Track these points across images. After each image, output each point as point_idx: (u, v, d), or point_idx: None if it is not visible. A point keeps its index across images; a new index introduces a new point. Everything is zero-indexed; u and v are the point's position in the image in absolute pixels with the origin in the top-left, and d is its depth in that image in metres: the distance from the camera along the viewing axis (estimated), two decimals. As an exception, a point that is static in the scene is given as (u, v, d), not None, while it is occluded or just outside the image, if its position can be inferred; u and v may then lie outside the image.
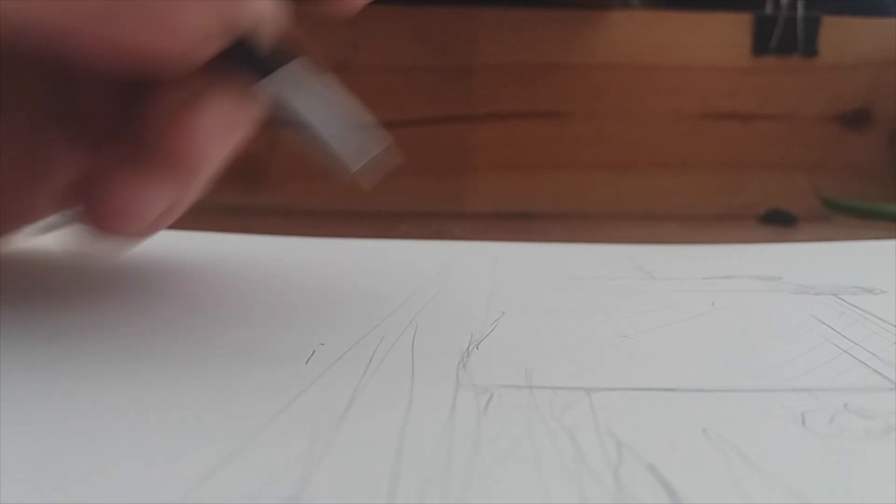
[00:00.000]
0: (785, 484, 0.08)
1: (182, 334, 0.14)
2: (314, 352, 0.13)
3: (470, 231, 0.36)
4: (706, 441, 0.09)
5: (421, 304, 0.17)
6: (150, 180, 0.14)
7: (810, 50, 0.46)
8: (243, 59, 0.14)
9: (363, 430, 0.09)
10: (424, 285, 0.19)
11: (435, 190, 0.42)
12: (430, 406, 0.10)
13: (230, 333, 0.14)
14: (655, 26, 0.47)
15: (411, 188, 0.40)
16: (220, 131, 0.15)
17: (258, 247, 0.24)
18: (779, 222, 0.41)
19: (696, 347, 0.13)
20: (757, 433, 0.09)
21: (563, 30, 0.46)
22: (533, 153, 0.47)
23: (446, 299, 0.17)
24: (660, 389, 0.11)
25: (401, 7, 0.41)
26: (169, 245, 0.24)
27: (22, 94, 0.17)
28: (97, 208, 0.14)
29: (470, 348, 0.13)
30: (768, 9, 0.47)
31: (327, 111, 0.13)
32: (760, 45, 0.47)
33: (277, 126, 0.14)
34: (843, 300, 0.17)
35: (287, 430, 0.09)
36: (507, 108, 0.47)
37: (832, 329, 0.15)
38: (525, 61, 0.46)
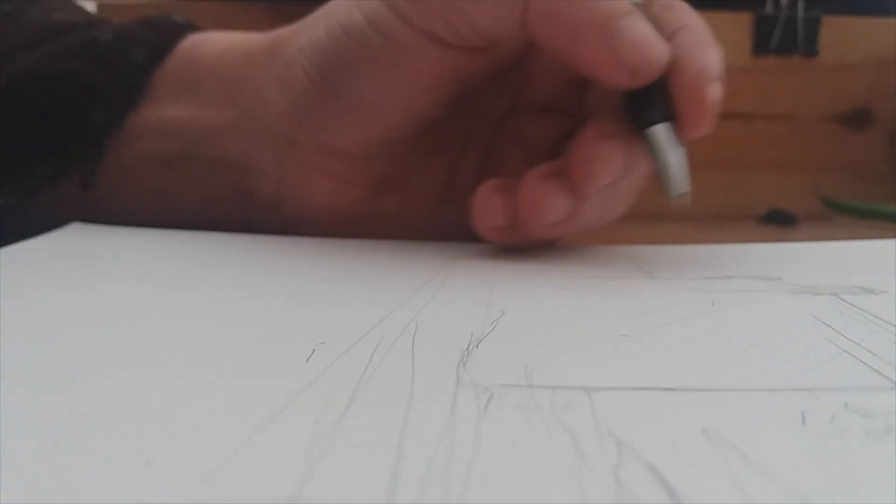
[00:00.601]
0: (785, 483, 0.08)
1: (181, 333, 0.14)
2: (314, 350, 0.13)
3: (470, 231, 0.36)
4: (706, 441, 0.09)
5: (421, 302, 0.17)
6: (561, 193, 0.22)
7: (810, 50, 0.46)
8: (649, 104, 0.21)
9: (363, 428, 0.09)
10: (425, 284, 0.19)
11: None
12: (430, 405, 0.10)
13: (230, 332, 0.14)
14: (656, 26, 0.47)
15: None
16: (616, 171, 0.21)
17: (258, 246, 0.24)
18: (779, 222, 0.41)
19: (697, 347, 0.13)
20: (757, 433, 0.09)
21: (564, 29, 0.46)
22: (533, 153, 0.47)
23: (447, 298, 0.17)
24: (660, 389, 0.11)
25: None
26: (168, 244, 0.24)
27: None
28: (522, 201, 0.22)
29: (470, 347, 0.13)
30: (768, 8, 0.47)
31: (679, 159, 0.22)
32: (760, 44, 0.47)
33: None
34: (844, 300, 0.17)
35: (287, 430, 0.09)
36: (508, 107, 0.47)
37: (832, 329, 0.15)
38: (525, 61, 0.46)
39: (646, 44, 0.20)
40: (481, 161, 0.27)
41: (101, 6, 0.45)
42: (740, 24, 0.46)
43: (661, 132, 0.21)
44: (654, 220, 0.45)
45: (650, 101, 0.21)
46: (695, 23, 0.23)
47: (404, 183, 0.27)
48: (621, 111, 0.22)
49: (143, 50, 0.27)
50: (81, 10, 0.32)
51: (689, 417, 0.10)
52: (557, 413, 0.10)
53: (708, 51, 0.22)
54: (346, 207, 0.26)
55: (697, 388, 0.11)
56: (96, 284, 0.18)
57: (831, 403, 0.10)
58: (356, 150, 0.25)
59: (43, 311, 0.16)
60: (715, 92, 0.21)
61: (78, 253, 0.23)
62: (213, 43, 0.27)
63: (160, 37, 0.27)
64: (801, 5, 0.46)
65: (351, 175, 0.26)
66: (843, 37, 0.46)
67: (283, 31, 0.26)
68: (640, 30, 0.20)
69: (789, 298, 0.18)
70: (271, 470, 0.08)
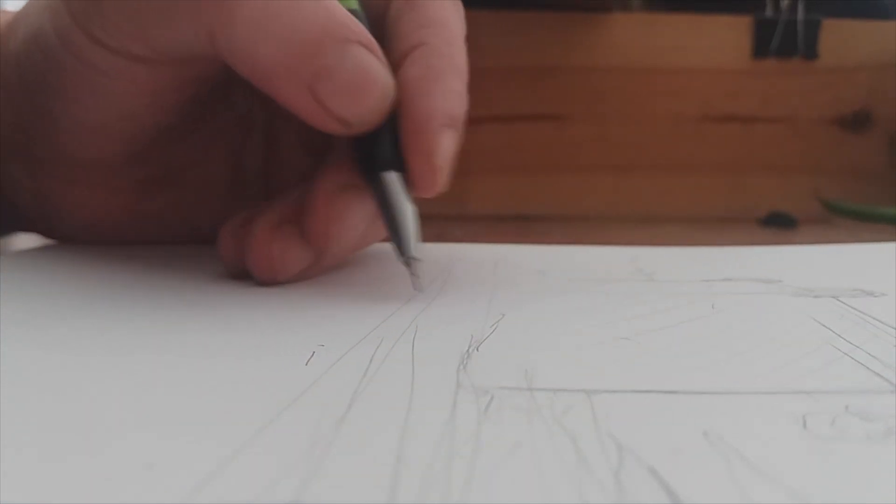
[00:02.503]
0: (786, 486, 0.08)
1: (181, 335, 0.14)
2: (314, 353, 0.13)
3: (470, 233, 0.36)
4: (707, 443, 0.09)
5: (421, 305, 0.17)
6: (297, 246, 0.18)
7: (811, 53, 0.46)
8: (374, 151, 0.18)
9: (363, 431, 0.09)
10: (425, 287, 0.19)
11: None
12: (430, 408, 0.10)
13: (230, 334, 0.14)
14: (656, 29, 0.47)
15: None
16: (350, 221, 0.18)
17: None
18: (779, 225, 0.41)
19: (697, 350, 0.13)
20: (758, 435, 0.09)
21: (564, 32, 0.46)
22: (533, 156, 0.47)
23: (446, 301, 0.17)
24: (660, 392, 0.11)
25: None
26: (169, 246, 0.24)
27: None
28: (253, 257, 0.18)
29: (470, 350, 0.13)
30: (769, 12, 0.47)
31: (405, 213, 0.18)
32: (761, 47, 0.47)
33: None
34: (844, 303, 0.17)
35: (287, 432, 0.09)
36: (508, 110, 0.47)
37: (832, 332, 0.14)
38: (525, 64, 0.46)
39: (359, 88, 0.16)
40: (264, 148, 0.24)
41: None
42: (740, 27, 0.47)
43: (387, 184, 0.18)
44: (655, 221, 0.45)
45: (375, 146, 0.18)
46: (439, 34, 0.19)
47: (180, 179, 0.24)
48: (353, 153, 0.19)
49: None
50: None
51: (690, 420, 0.10)
52: (558, 416, 0.10)
53: (443, 82, 0.18)
54: (117, 214, 0.23)
55: (698, 390, 0.11)
56: (96, 285, 0.18)
57: (832, 406, 0.10)
58: (105, 159, 0.22)
59: (43, 311, 0.16)
60: (446, 143, 0.18)
61: (76, 261, 0.23)
62: None
63: None
64: (801, 8, 0.46)
65: (112, 181, 0.23)
66: (843, 40, 0.46)
67: (4, 18, 0.22)
68: (353, 67, 0.16)
69: (789, 301, 0.18)
70: (271, 473, 0.08)
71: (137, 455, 0.08)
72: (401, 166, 0.18)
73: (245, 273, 0.19)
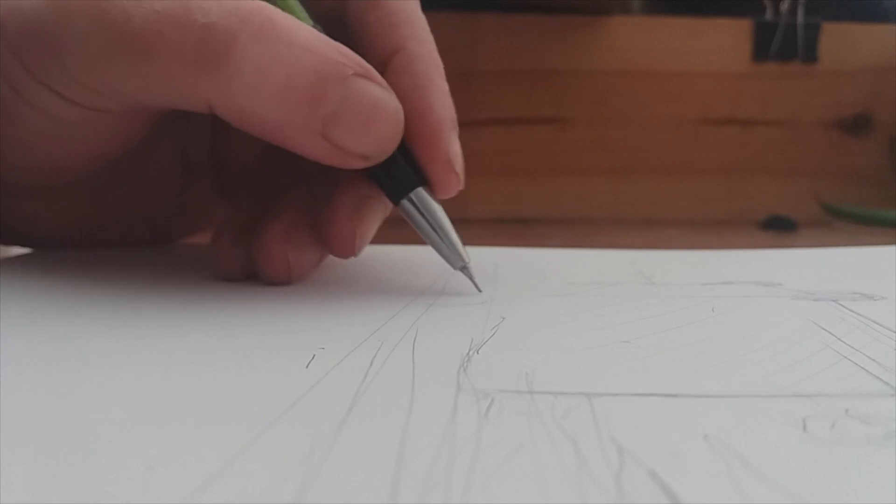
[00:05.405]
0: (786, 489, 0.08)
1: (182, 338, 0.14)
2: (314, 356, 0.13)
3: (470, 236, 0.36)
4: (707, 447, 0.09)
5: (422, 308, 0.17)
6: (310, 250, 0.19)
7: (810, 56, 0.47)
8: (394, 174, 0.18)
9: (364, 434, 0.09)
10: (425, 290, 0.19)
11: (435, 195, 0.42)
12: (430, 410, 0.10)
13: (230, 337, 0.14)
14: (656, 32, 0.47)
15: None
16: (372, 230, 0.20)
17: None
18: (779, 228, 0.41)
19: (697, 353, 0.13)
20: (758, 439, 0.09)
21: (564, 36, 0.46)
22: (533, 158, 0.47)
23: (447, 304, 0.17)
24: (661, 395, 0.11)
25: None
26: (170, 248, 0.24)
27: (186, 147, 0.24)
28: (268, 264, 0.19)
29: (470, 353, 0.13)
30: (768, 15, 0.47)
31: (445, 224, 0.18)
32: (761, 51, 0.47)
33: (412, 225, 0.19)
34: (844, 306, 0.17)
35: (287, 435, 0.09)
36: (508, 113, 0.47)
37: (832, 335, 0.15)
38: (526, 67, 0.46)
39: (371, 121, 0.16)
40: (211, 132, 0.24)
41: None
42: (740, 30, 0.47)
43: (419, 201, 0.18)
44: (655, 225, 0.45)
45: (394, 170, 0.18)
46: (411, 34, 0.19)
47: (132, 176, 0.23)
48: (373, 181, 0.19)
49: None
50: None
51: (690, 423, 0.10)
52: (558, 419, 0.10)
53: (433, 87, 0.18)
54: (74, 220, 0.23)
55: (698, 394, 0.11)
56: (98, 287, 0.18)
57: (832, 409, 0.10)
58: (61, 184, 0.21)
59: (43, 312, 0.16)
60: (456, 145, 0.18)
61: (75, 264, 0.23)
62: None
63: None
64: (800, 12, 0.46)
65: (67, 194, 0.22)
66: (843, 43, 0.47)
67: None
68: (359, 103, 0.16)
69: (789, 304, 0.18)
70: (272, 475, 0.08)
71: (139, 456, 0.08)
72: (422, 178, 0.18)
73: (241, 278, 0.20)
